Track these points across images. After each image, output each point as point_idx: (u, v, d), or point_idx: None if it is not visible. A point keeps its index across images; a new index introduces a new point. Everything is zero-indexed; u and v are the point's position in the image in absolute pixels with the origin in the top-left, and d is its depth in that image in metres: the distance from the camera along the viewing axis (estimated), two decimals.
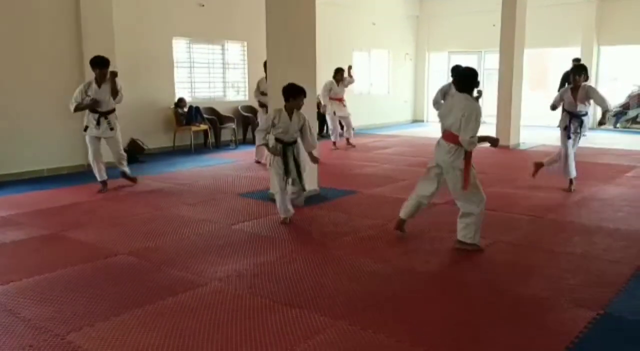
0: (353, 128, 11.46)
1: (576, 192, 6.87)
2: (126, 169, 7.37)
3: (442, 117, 4.67)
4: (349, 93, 14.47)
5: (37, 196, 6.94)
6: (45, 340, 3.10)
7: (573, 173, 6.86)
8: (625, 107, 14.43)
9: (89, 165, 7.43)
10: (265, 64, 9.32)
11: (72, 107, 6.81)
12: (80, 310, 3.50)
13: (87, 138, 7.00)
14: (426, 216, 5.58)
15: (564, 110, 6.94)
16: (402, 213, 5.01)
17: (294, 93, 5.32)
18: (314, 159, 5.61)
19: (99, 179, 7.10)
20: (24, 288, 3.90)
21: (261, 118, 8.18)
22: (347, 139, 11.31)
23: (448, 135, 4.56)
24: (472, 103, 4.53)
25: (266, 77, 9.09)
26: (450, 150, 4.52)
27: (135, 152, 9.61)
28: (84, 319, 3.37)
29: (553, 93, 8.65)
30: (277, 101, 6.49)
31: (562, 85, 11.74)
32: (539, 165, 7.22)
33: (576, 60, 13.05)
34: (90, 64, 6.80)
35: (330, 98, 10.87)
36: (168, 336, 3.14)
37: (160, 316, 3.42)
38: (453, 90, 5.53)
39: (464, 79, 4.64)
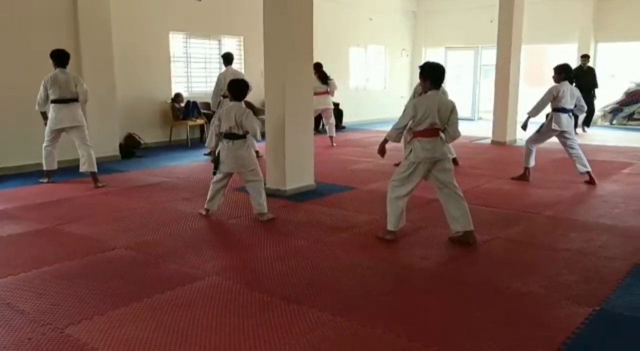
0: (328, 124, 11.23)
1: (573, 189, 6.90)
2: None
3: (427, 116, 4.57)
4: (346, 88, 14.51)
5: (34, 190, 6.92)
6: (44, 333, 3.10)
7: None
8: (621, 104, 14.46)
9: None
10: (226, 57, 9.23)
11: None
12: (79, 304, 3.50)
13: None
14: (424, 213, 5.60)
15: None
16: (395, 226, 4.81)
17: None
18: None
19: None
20: (22, 281, 3.89)
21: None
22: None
23: (435, 130, 4.63)
24: (449, 98, 4.85)
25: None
26: (442, 143, 4.68)
27: (132, 147, 9.63)
28: (83, 312, 3.37)
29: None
30: (276, 99, 6.49)
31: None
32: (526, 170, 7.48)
33: (585, 57, 13.07)
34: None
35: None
36: (166, 330, 3.14)
37: (159, 309, 3.43)
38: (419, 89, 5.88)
39: (442, 75, 4.75)
